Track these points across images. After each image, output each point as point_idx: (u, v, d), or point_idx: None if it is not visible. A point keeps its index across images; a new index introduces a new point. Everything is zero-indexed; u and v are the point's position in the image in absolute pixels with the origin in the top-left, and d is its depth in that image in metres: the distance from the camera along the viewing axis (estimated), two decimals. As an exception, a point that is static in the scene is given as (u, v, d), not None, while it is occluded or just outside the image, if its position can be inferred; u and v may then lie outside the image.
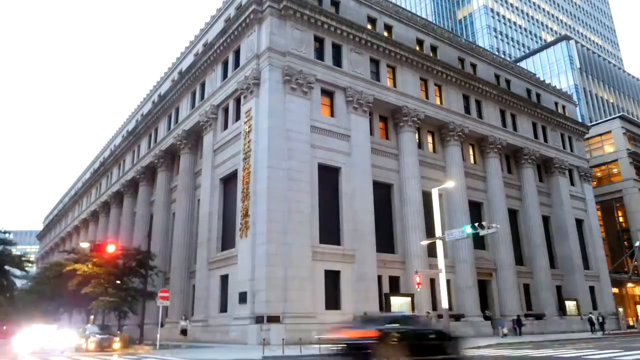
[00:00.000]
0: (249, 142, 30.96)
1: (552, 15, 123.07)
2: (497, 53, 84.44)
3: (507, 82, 48.75)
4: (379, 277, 32.28)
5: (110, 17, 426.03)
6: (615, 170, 63.09)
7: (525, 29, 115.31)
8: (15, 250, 48.12)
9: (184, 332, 30.20)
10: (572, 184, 52.52)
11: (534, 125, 49.50)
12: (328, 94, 33.88)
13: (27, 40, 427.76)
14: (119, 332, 33.06)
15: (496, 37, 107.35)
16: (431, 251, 32.94)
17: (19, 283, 51.69)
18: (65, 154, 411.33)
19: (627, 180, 61.00)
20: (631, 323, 53.28)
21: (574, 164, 52.99)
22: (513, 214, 45.32)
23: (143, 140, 52.34)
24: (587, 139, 61.54)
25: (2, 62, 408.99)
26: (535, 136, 49.10)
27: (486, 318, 37.73)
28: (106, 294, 32.30)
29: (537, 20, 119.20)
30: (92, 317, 52.43)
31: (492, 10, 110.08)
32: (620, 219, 62.43)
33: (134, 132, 54.20)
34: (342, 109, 33.98)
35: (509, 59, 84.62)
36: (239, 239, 30.39)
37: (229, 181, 34.97)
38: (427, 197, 33.94)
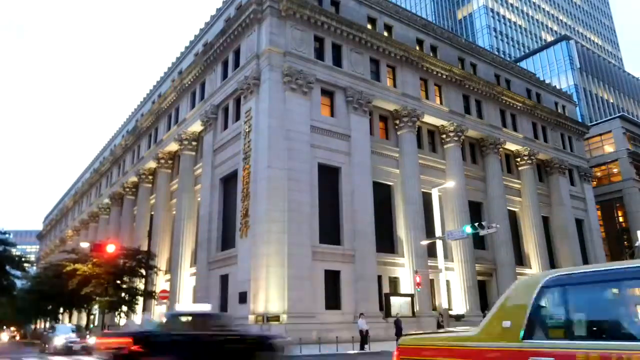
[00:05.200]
0: (249, 142, 30.96)
1: (552, 15, 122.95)
2: (497, 53, 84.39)
3: (507, 82, 48.75)
4: (379, 277, 32.28)
5: (111, 17, 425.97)
6: (615, 170, 63.07)
7: (525, 29, 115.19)
8: (15, 250, 48.05)
9: None
10: (572, 184, 52.51)
11: (534, 125, 49.48)
12: (328, 94, 33.87)
13: (28, 39, 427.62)
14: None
15: (496, 37, 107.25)
16: (431, 251, 32.94)
17: (19, 283, 51.70)
18: (65, 154, 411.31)
19: (627, 180, 60.96)
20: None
21: (573, 164, 52.98)
22: (513, 214, 45.31)
23: (143, 140, 52.34)
24: (587, 139, 61.51)
25: (2, 62, 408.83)
26: (535, 136, 49.08)
27: (486, 318, 37.70)
28: (106, 294, 32.34)
29: (537, 20, 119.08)
30: (91, 317, 52.51)
31: (492, 10, 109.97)
32: (620, 219, 62.40)
33: (134, 132, 54.21)
34: (342, 109, 33.98)
35: (509, 59, 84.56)
36: (239, 239, 30.40)
37: (229, 181, 34.96)
38: (427, 197, 33.96)
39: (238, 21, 34.05)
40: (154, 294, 33.96)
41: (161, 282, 40.66)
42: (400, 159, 36.85)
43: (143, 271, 34.62)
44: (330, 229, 30.95)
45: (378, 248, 32.52)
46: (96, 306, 42.06)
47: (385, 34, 38.36)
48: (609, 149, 64.12)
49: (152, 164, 48.25)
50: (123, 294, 33.77)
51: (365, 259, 31.23)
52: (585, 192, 53.62)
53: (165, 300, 30.57)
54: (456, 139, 40.43)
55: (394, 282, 34.04)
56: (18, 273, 46.20)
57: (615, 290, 4.23)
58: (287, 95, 30.86)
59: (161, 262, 40.34)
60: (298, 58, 31.95)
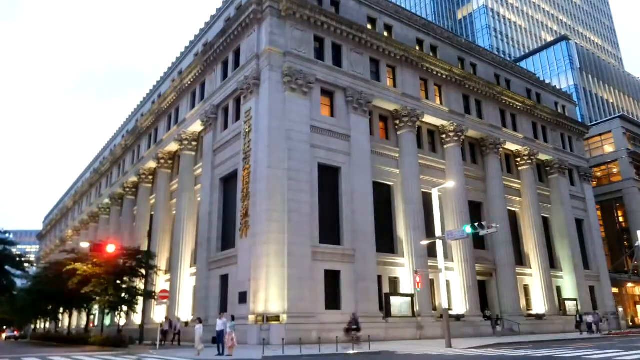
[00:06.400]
0: (249, 142, 30.97)
1: (552, 15, 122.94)
2: (497, 53, 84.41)
3: (507, 82, 48.74)
4: (379, 277, 32.28)
5: (111, 16, 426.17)
6: (615, 170, 63.11)
7: (525, 29, 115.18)
8: (15, 250, 48.05)
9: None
10: (572, 184, 52.52)
11: (534, 125, 49.48)
12: (328, 94, 33.87)
13: (28, 38, 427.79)
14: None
15: (496, 37, 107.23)
16: (431, 251, 32.95)
17: (19, 283, 51.70)
18: (65, 154, 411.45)
19: (627, 180, 61.00)
20: (631, 323, 53.22)
21: (573, 164, 52.98)
22: (513, 214, 45.32)
23: (143, 140, 52.35)
24: (587, 139, 61.54)
25: (2, 61, 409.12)
26: (535, 136, 49.08)
27: (486, 318, 37.73)
28: (106, 294, 32.32)
29: (537, 20, 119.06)
30: (91, 317, 52.52)
31: (492, 10, 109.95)
32: (620, 219, 62.44)
33: (134, 132, 54.21)
34: (342, 109, 33.98)
35: (509, 59, 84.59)
36: (239, 239, 30.40)
37: (229, 181, 34.97)
38: (427, 197, 33.97)
39: (238, 21, 34.04)
40: (153, 294, 33.92)
41: (161, 282, 40.67)
42: (400, 159, 36.84)
43: (143, 271, 34.58)
44: (330, 229, 30.95)
45: (378, 248, 32.52)
46: (96, 306, 42.08)
47: (385, 34, 38.36)
48: (608, 149, 64.15)
49: (152, 164, 48.25)
50: (123, 294, 33.74)
51: (365, 259, 31.22)
52: (585, 192, 53.62)
53: (165, 300, 30.54)
54: (456, 139, 40.42)
55: (394, 282, 34.04)
56: (18, 273, 46.19)
57: None
58: (287, 95, 30.85)
59: (161, 262, 40.32)
60: (298, 58, 31.94)
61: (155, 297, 32.75)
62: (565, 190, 49.84)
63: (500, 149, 44.41)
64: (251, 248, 28.48)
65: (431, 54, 41.41)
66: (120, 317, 36.27)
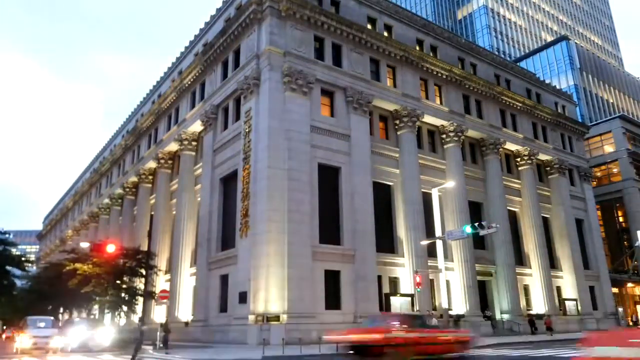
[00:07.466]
0: (248, 142, 30.98)
1: (552, 15, 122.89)
2: (497, 53, 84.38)
3: (507, 82, 48.75)
4: (379, 277, 32.29)
5: (111, 16, 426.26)
6: (615, 170, 63.16)
7: (525, 29, 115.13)
8: (15, 250, 48.05)
9: None
10: (572, 183, 52.52)
11: (534, 125, 49.49)
12: (328, 93, 33.88)
13: (28, 37, 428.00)
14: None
15: (496, 37, 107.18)
16: (431, 251, 32.96)
17: (19, 283, 51.70)
18: (65, 154, 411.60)
19: (627, 180, 61.03)
20: (630, 323, 53.26)
21: (573, 164, 52.99)
22: (513, 214, 45.32)
23: (143, 140, 52.37)
24: (587, 138, 61.57)
25: (2, 60, 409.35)
26: (535, 136, 49.09)
27: (486, 318, 37.74)
28: (106, 294, 32.30)
29: (537, 20, 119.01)
30: (91, 317, 52.43)
31: (492, 10, 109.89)
32: (620, 219, 62.48)
33: (134, 132, 54.23)
34: (342, 109, 33.98)
35: (508, 59, 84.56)
36: (239, 239, 30.40)
37: (229, 181, 34.98)
38: (427, 197, 33.98)
39: (238, 21, 34.05)
40: (153, 294, 33.93)
41: (161, 282, 40.68)
42: (400, 159, 36.85)
43: (143, 271, 34.57)
44: (330, 229, 30.95)
45: (378, 248, 32.52)
46: (96, 306, 42.08)
47: (385, 34, 38.37)
48: (608, 149, 64.18)
49: (152, 164, 48.27)
50: (123, 294, 33.72)
51: (365, 259, 31.23)
52: (585, 192, 53.62)
53: (165, 300, 30.51)
54: (456, 139, 40.42)
55: (394, 282, 34.05)
56: (18, 273, 46.19)
57: None
58: (287, 95, 30.86)
59: (161, 262, 40.34)
60: (298, 58, 31.95)
61: (155, 297, 32.74)
62: (565, 190, 49.85)
63: (500, 149, 44.42)
64: (251, 248, 28.48)
65: (431, 54, 41.41)
66: (120, 317, 36.23)
